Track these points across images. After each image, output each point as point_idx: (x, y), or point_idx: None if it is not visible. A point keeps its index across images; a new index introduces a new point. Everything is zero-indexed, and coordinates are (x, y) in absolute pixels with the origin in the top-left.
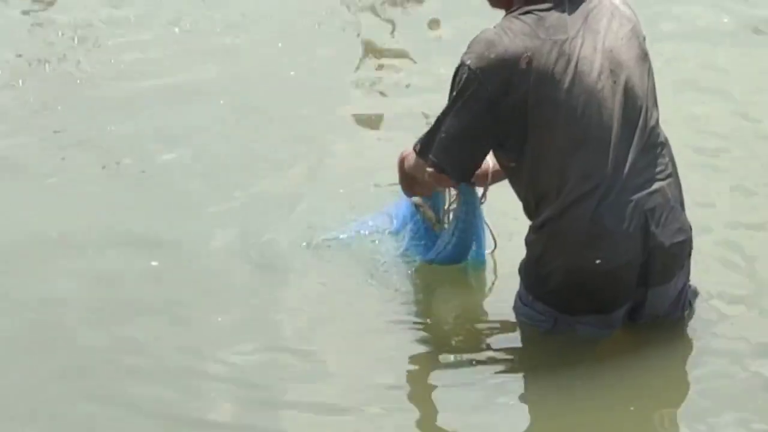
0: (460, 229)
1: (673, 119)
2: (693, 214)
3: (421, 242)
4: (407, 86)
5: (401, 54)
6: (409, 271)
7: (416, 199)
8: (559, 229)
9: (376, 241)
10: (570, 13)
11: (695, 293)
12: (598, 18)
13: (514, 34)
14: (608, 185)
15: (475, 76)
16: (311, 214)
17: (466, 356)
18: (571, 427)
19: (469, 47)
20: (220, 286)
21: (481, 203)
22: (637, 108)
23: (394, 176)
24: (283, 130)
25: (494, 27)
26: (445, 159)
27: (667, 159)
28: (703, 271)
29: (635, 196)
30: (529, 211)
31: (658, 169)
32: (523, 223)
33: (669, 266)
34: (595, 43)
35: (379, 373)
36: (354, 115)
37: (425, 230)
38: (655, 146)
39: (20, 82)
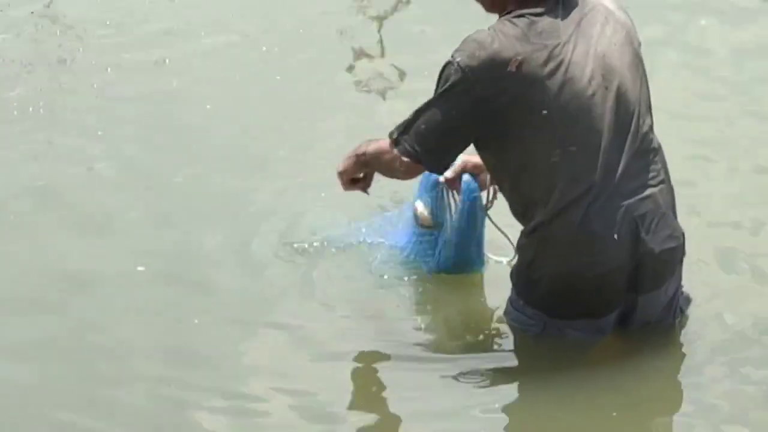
0: (456, 233)
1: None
2: (686, 220)
3: (425, 251)
4: (396, 88)
5: (390, 56)
6: (405, 277)
7: (417, 204)
8: (549, 235)
9: (371, 247)
10: (563, 18)
11: (688, 300)
12: (591, 23)
13: (506, 37)
14: (598, 191)
15: (464, 74)
16: (303, 218)
17: (455, 360)
18: None
19: (460, 45)
20: (208, 291)
21: (488, 208)
22: (629, 114)
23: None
24: (271, 134)
25: (488, 29)
26: (422, 149)
27: (659, 165)
28: (695, 277)
29: (626, 202)
30: (518, 215)
31: (650, 175)
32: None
33: (659, 273)
34: (587, 48)
35: (368, 377)
36: (343, 118)
37: (426, 239)
38: (647, 152)
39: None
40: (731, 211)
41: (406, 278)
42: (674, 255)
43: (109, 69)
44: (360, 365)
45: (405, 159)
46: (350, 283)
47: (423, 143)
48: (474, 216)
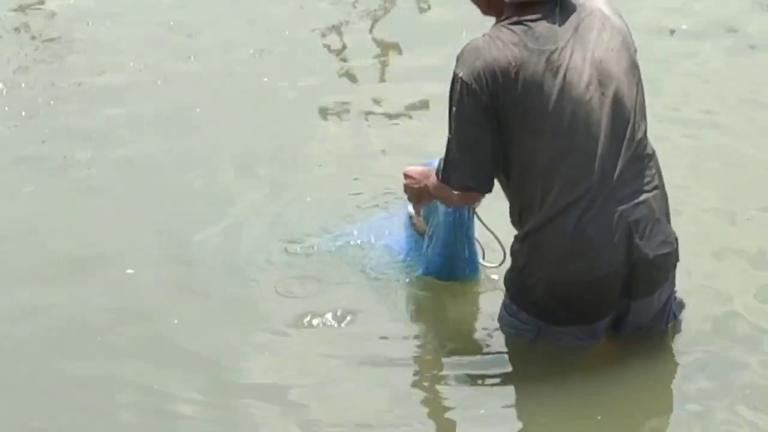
0: (440, 238)
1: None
2: (679, 225)
3: (416, 253)
4: (389, 88)
5: (383, 55)
6: (398, 280)
7: (411, 209)
8: (542, 240)
9: (364, 250)
10: (560, 24)
11: (681, 305)
12: (588, 28)
13: (503, 44)
14: (593, 196)
15: (468, 86)
16: (294, 222)
17: (448, 365)
18: None
19: (458, 59)
20: (199, 295)
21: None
22: (624, 119)
23: (379, 181)
24: (261, 138)
25: (483, 36)
26: (466, 177)
27: (653, 171)
28: (688, 282)
29: (620, 208)
30: (514, 220)
31: (645, 180)
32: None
33: (653, 278)
34: (584, 53)
35: (360, 381)
36: (333, 121)
37: (415, 241)
38: (642, 158)
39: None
40: (725, 216)
41: (399, 281)
42: (668, 260)
43: (96, 71)
44: (351, 370)
45: (457, 192)
46: (342, 286)
47: (465, 171)
48: (456, 226)
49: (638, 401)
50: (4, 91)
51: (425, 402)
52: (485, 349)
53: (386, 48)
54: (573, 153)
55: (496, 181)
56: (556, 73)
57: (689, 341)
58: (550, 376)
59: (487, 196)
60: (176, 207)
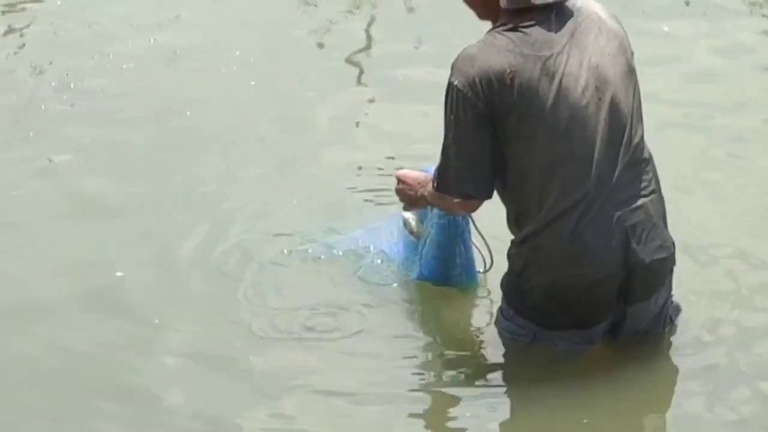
0: (434, 242)
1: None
2: (675, 229)
3: (412, 258)
4: (379, 91)
5: (371, 59)
6: (394, 284)
7: (406, 214)
8: (539, 245)
9: (360, 256)
10: (556, 29)
11: (677, 310)
12: (584, 33)
13: (498, 50)
14: (590, 201)
15: (464, 94)
16: (286, 225)
17: (444, 369)
18: None
19: (453, 67)
20: (187, 299)
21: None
22: (621, 124)
23: (370, 183)
24: (252, 141)
25: (477, 42)
26: (468, 185)
27: (650, 175)
28: (685, 287)
29: (617, 212)
30: (511, 225)
31: (642, 185)
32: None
33: (650, 283)
34: (581, 59)
35: (354, 385)
36: (323, 124)
37: (411, 246)
38: (638, 162)
39: None
40: (722, 219)
41: (394, 286)
42: (664, 265)
43: (86, 76)
44: (346, 374)
45: (457, 200)
46: (337, 293)
47: (465, 178)
48: (451, 228)
49: (634, 405)
50: None
51: (420, 405)
52: (481, 353)
53: (384, 44)
54: (570, 158)
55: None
56: (552, 78)
57: (685, 345)
58: (547, 381)
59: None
60: (167, 209)
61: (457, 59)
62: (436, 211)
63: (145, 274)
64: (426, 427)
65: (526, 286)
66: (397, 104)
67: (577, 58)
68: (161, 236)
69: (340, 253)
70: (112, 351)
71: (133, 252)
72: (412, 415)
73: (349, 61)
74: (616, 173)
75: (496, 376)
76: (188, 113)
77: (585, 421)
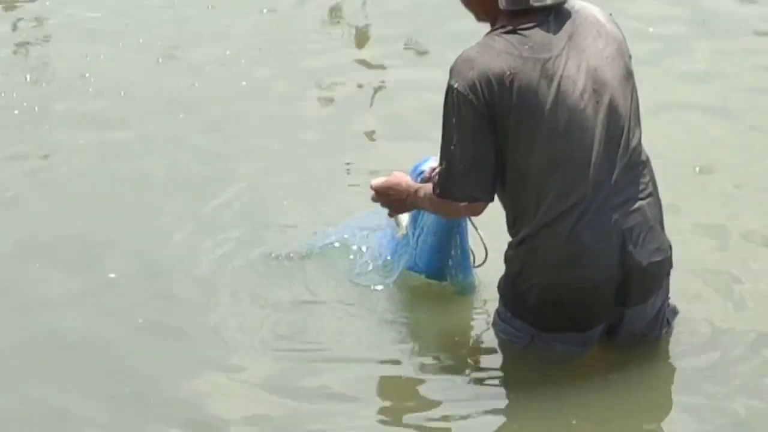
0: (430, 232)
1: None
2: (673, 231)
3: (402, 252)
4: (373, 93)
5: (363, 60)
6: (388, 287)
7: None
8: (536, 247)
9: (351, 258)
10: (555, 32)
11: (674, 312)
12: (583, 36)
13: (496, 53)
14: (587, 204)
15: (465, 97)
16: (278, 225)
17: (441, 371)
18: None
19: (452, 70)
20: (179, 301)
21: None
22: (619, 127)
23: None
24: (244, 142)
25: (475, 45)
26: (473, 189)
27: (647, 178)
28: (682, 289)
29: (614, 215)
30: (509, 227)
31: (639, 188)
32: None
33: (646, 286)
34: (579, 62)
35: (350, 388)
36: (314, 123)
37: (400, 242)
38: (636, 165)
39: None
40: (718, 222)
41: (389, 287)
42: (661, 268)
43: (79, 77)
44: (342, 376)
45: (462, 204)
46: (329, 293)
47: (470, 181)
48: (449, 220)
49: (631, 408)
50: None
51: (416, 407)
52: (478, 355)
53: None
54: (568, 161)
55: None
56: (551, 81)
57: (682, 348)
58: (543, 383)
59: None
60: (158, 211)
61: (456, 62)
62: None
63: (136, 274)
64: (422, 429)
65: (523, 288)
66: (393, 104)
67: (575, 61)
68: (148, 237)
69: (332, 254)
70: (103, 350)
71: (123, 252)
72: (406, 417)
73: (340, 59)
74: (614, 176)
75: (493, 379)
76: (181, 116)
77: (582, 423)
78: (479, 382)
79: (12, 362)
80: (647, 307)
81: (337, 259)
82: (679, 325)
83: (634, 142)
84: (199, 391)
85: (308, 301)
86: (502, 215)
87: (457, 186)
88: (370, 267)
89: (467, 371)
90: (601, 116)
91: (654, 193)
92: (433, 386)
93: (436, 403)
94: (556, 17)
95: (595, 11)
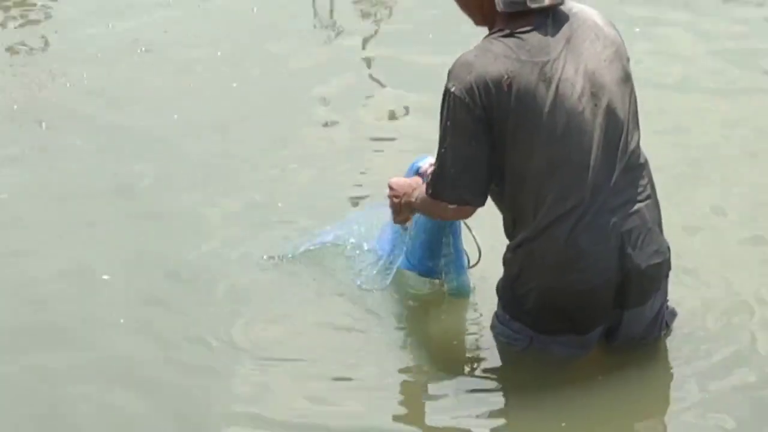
0: (421, 228)
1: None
2: (671, 234)
3: (399, 251)
4: (369, 95)
5: (356, 58)
6: (387, 290)
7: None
8: (535, 250)
9: (350, 259)
10: (552, 35)
11: (673, 314)
12: (581, 39)
13: (494, 56)
14: (585, 207)
15: (461, 100)
16: (276, 225)
17: (440, 374)
18: None
19: (450, 74)
20: (175, 303)
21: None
22: (618, 130)
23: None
24: (239, 143)
25: (473, 49)
26: (464, 192)
27: (646, 180)
28: (680, 292)
29: (613, 218)
30: (507, 230)
31: (638, 190)
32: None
33: (645, 288)
34: (577, 65)
35: (350, 391)
36: (312, 127)
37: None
38: (634, 168)
39: None
40: (717, 224)
41: (388, 290)
42: (660, 270)
43: (75, 80)
44: (341, 380)
45: (452, 206)
46: (330, 298)
47: (461, 184)
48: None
49: (629, 410)
50: None
51: (415, 409)
52: (477, 358)
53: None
54: (566, 164)
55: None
56: (549, 84)
57: (681, 351)
58: (542, 385)
59: None
60: (153, 212)
61: (453, 66)
62: None
63: (131, 278)
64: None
65: (521, 291)
66: (391, 103)
67: (573, 64)
68: (147, 240)
69: (331, 254)
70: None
71: (117, 254)
72: (405, 419)
73: (334, 58)
74: (612, 179)
75: (492, 382)
76: (175, 117)
77: (581, 425)
78: (478, 384)
79: (12, 362)
80: (646, 309)
81: (335, 259)
82: (677, 328)
83: (632, 145)
84: (194, 394)
85: (304, 303)
86: (499, 217)
87: (448, 188)
88: (369, 267)
89: (466, 374)
90: (599, 119)
91: (652, 195)
92: (432, 389)
93: (434, 406)
94: (554, 20)
95: (593, 14)
